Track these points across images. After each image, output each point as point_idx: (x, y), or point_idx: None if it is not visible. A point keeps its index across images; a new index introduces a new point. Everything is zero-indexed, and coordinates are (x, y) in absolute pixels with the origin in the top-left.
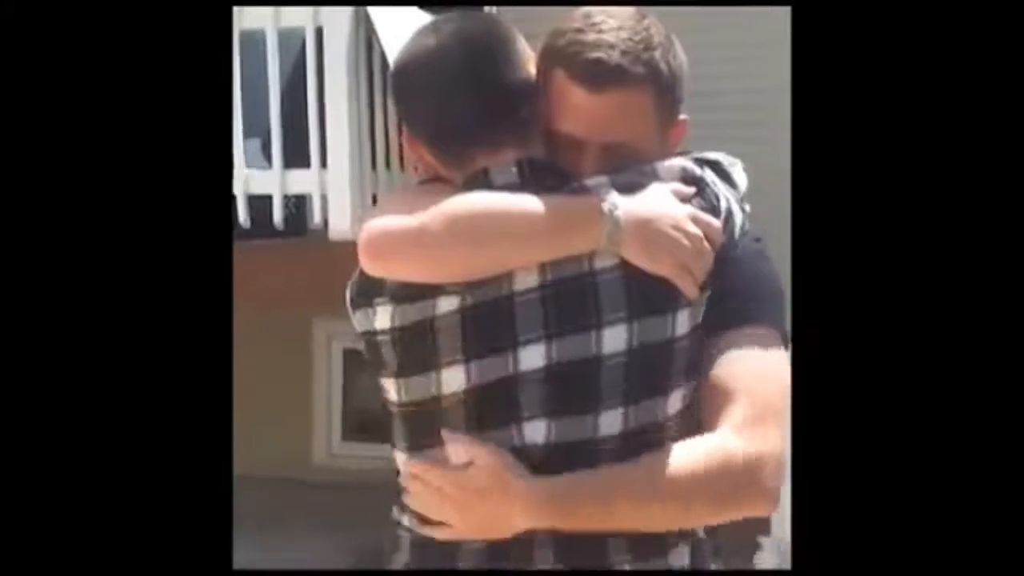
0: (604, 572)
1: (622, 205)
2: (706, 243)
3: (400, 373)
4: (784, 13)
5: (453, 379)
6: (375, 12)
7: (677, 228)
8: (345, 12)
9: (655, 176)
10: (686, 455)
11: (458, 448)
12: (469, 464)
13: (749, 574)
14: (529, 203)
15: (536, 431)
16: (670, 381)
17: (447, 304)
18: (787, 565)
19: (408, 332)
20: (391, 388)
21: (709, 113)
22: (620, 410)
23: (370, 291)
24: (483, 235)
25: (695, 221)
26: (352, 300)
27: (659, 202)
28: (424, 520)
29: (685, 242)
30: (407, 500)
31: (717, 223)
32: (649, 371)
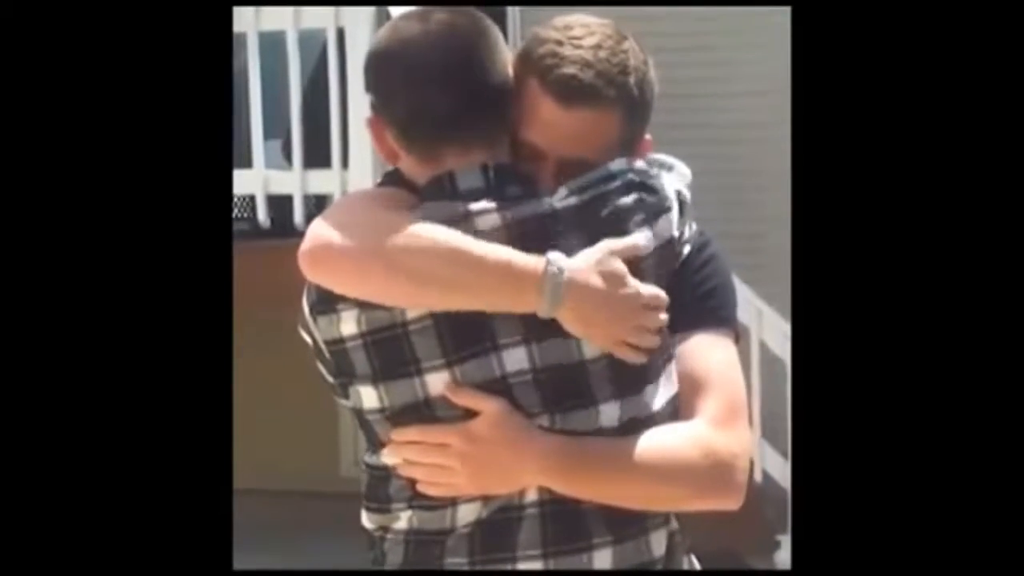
0: (597, 572)
1: (565, 275)
2: (649, 316)
3: (379, 379)
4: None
5: (439, 382)
6: (397, 12)
7: (617, 306)
8: (367, 12)
9: (611, 180)
10: (676, 440)
11: (464, 398)
12: (475, 415)
13: (748, 574)
14: (476, 253)
15: (540, 424)
16: (653, 375)
17: (417, 309)
18: None
19: (380, 336)
20: (367, 395)
21: (709, 115)
22: (616, 402)
23: (332, 297)
24: (423, 275)
25: (638, 296)
26: (312, 307)
27: (603, 274)
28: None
29: (624, 319)
30: (402, 471)
31: (662, 294)
32: (631, 368)
